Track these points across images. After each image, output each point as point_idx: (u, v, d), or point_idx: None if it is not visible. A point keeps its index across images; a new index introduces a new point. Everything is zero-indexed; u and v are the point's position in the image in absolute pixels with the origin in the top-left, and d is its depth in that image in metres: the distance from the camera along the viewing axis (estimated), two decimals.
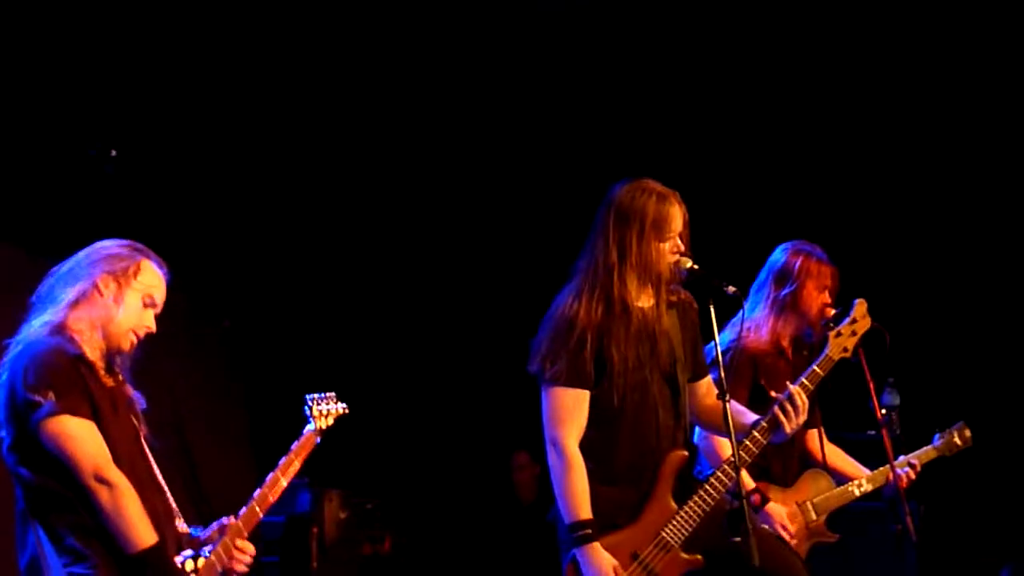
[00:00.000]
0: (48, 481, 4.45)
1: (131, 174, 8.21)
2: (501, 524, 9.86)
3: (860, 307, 5.71)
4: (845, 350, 5.62)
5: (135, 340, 4.74)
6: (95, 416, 4.50)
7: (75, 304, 4.64)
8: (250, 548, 4.79)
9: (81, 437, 4.43)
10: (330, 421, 5.09)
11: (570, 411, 5.08)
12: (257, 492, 4.84)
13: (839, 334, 5.62)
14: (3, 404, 4.52)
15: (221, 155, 8.79)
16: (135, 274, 4.72)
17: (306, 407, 5.05)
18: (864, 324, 5.69)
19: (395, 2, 8.03)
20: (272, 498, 4.87)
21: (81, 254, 4.78)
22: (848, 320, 5.67)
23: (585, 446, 5.08)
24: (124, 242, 4.83)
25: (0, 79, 7.49)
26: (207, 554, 4.68)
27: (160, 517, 4.60)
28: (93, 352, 4.63)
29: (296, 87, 8.48)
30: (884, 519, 6.60)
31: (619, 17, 8.20)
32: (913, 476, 6.30)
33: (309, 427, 5.04)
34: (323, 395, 5.11)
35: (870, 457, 6.34)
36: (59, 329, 4.60)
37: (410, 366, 10.00)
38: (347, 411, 5.15)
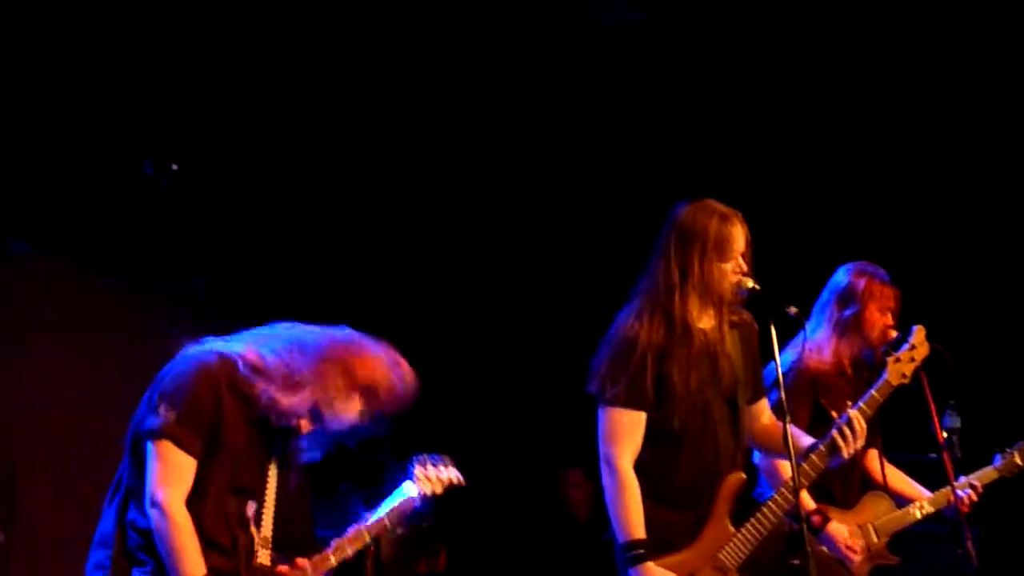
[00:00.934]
0: (140, 478, 4.51)
1: (187, 189, 8.23)
2: (555, 541, 9.84)
3: (919, 333, 5.68)
4: (904, 376, 5.59)
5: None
6: (205, 453, 4.49)
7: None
8: None
9: (169, 466, 4.45)
10: (438, 489, 4.95)
11: (627, 432, 5.05)
12: (335, 541, 4.78)
13: (898, 360, 5.59)
14: (151, 389, 4.57)
15: (272, 174, 8.78)
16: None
17: (411, 465, 4.92)
18: (923, 350, 5.67)
19: (453, 12, 8.01)
20: (351, 551, 4.78)
21: None
22: (907, 346, 5.65)
23: (644, 467, 5.05)
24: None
25: (60, 95, 7.54)
26: None
27: (229, 552, 4.60)
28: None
29: (343, 98, 8.46)
30: (945, 542, 6.54)
31: (682, 34, 8.17)
32: (975, 498, 6.25)
33: (410, 488, 4.90)
34: (437, 457, 4.99)
35: (930, 479, 6.29)
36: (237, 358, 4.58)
37: (466, 382, 9.99)
38: (462, 482, 4.99)
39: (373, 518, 4.84)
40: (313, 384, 4.55)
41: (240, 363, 4.56)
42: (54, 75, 7.43)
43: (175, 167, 8.08)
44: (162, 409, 4.46)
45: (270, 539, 4.72)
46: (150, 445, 4.45)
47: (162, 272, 8.38)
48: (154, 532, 4.43)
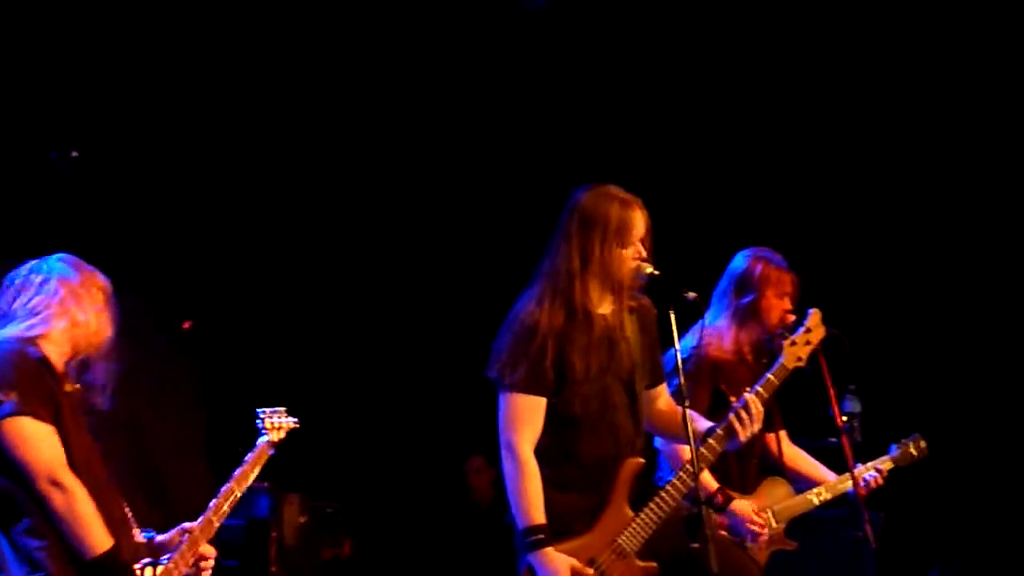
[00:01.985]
0: (6, 484, 4.44)
1: (91, 175, 8.15)
2: (459, 527, 9.86)
3: (814, 316, 5.73)
4: (800, 359, 5.64)
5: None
6: (57, 421, 4.49)
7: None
8: (211, 552, 4.82)
9: (38, 440, 4.43)
10: (282, 435, 5.19)
11: (527, 417, 5.05)
12: (213, 502, 4.89)
13: (794, 343, 5.64)
14: None
15: (181, 156, 8.74)
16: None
17: (259, 420, 5.16)
18: (819, 333, 5.71)
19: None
20: (227, 508, 4.94)
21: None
22: (803, 329, 5.69)
23: (543, 452, 5.06)
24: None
25: None
26: (165, 562, 4.68)
27: (117, 524, 4.60)
28: (58, 358, 4.66)
29: (259, 86, 8.44)
30: (844, 526, 6.60)
31: (584, 22, 8.20)
32: (881, 482, 6.30)
33: (263, 439, 5.13)
34: (275, 409, 5.21)
35: (829, 465, 6.34)
36: (26, 337, 4.60)
37: (368, 370, 9.98)
38: (298, 425, 5.25)
39: (239, 472, 5.03)
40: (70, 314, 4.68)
41: (31, 339, 4.60)
42: None
43: (75, 154, 8.00)
44: (1, 396, 4.43)
45: (130, 516, 4.79)
46: (6, 433, 4.42)
47: None
48: (55, 512, 4.39)
